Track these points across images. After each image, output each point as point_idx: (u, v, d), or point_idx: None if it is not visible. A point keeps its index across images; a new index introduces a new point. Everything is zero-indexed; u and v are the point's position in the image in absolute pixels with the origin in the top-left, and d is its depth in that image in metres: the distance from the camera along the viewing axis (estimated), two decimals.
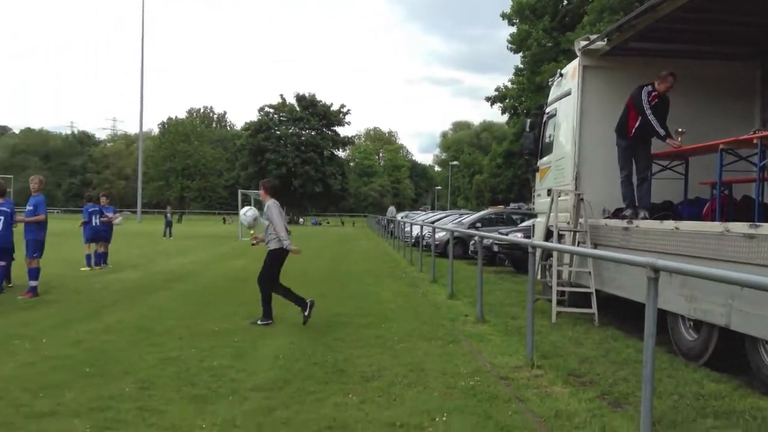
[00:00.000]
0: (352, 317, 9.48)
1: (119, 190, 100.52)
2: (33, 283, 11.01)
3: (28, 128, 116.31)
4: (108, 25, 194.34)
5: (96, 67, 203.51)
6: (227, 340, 7.70)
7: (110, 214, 16.97)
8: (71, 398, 5.27)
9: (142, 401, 5.24)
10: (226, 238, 34.79)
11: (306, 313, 8.82)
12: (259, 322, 8.89)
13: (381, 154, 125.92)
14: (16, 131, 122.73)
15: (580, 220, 9.85)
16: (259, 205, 38.80)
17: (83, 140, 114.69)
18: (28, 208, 11.47)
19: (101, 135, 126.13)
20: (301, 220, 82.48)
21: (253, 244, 10.18)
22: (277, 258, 9.50)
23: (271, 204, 9.49)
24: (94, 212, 16.01)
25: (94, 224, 15.87)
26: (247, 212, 10.07)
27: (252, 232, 10.10)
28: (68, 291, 11.78)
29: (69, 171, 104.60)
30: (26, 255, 11.29)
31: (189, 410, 5.04)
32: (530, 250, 7.33)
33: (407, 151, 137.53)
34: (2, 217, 10.93)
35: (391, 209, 40.71)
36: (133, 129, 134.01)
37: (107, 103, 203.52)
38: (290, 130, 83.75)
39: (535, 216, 13.60)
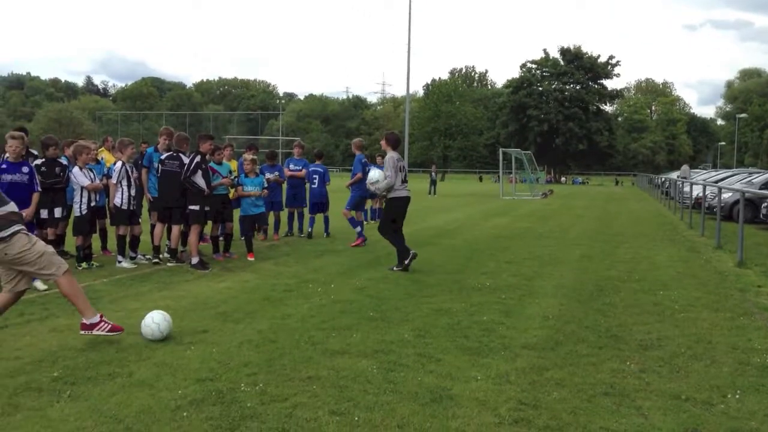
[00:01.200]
0: (624, 282, 9.00)
1: None
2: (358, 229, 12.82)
3: (311, 94, 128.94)
4: None
5: (367, 35, 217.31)
6: (494, 296, 7.81)
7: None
8: (358, 339, 5.78)
9: (420, 348, 5.55)
10: (488, 196, 35.26)
11: (406, 262, 9.38)
12: (394, 269, 9.50)
13: (653, 108, 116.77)
14: (301, 97, 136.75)
15: None
16: (519, 164, 38.35)
17: (357, 104, 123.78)
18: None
19: (372, 98, 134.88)
20: (563, 178, 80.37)
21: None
22: (392, 207, 9.94)
23: (388, 157, 9.92)
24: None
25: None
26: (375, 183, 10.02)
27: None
28: (350, 241, 12.87)
29: (345, 133, 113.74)
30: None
31: (463, 360, 5.22)
32: None
33: (684, 103, 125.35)
34: (317, 177, 13.83)
35: (685, 167, 37.49)
36: (400, 92, 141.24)
37: (377, 68, 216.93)
38: (553, 86, 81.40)
39: None
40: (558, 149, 79.06)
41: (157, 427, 3.81)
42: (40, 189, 8.36)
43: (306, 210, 14.05)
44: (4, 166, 8.07)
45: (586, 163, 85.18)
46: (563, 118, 77.63)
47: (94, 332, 5.46)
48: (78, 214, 9.27)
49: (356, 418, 3.99)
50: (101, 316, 5.54)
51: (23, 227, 5.18)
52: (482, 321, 6.54)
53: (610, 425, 4.00)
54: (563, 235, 15.28)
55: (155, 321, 5.60)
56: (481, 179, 78.73)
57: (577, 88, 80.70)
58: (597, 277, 9.32)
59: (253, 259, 10.36)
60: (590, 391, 4.58)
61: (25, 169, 8.11)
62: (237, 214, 11.28)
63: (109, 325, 5.52)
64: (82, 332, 5.49)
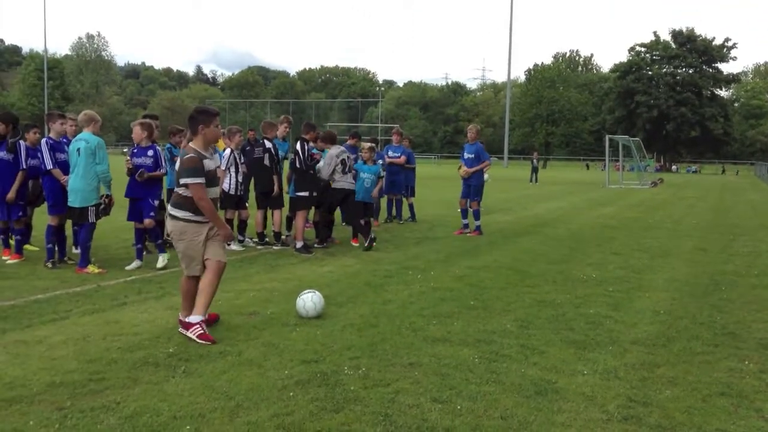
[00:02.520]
0: (742, 276, 8.49)
1: (487, 137, 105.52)
2: (477, 223, 12.26)
3: (410, 81, 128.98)
4: None
5: (467, 20, 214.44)
6: (601, 288, 7.54)
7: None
8: (459, 328, 5.74)
9: (523, 339, 5.44)
10: (593, 185, 34.15)
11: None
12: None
13: None
14: (401, 84, 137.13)
15: None
16: (627, 151, 36.71)
17: (456, 90, 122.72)
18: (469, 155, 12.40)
19: (472, 84, 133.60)
20: (674, 167, 76.71)
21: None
22: (330, 195, 10.28)
23: (328, 153, 10.24)
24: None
25: None
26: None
27: None
28: (449, 229, 12.82)
29: (444, 119, 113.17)
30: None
31: (568, 354, 5.07)
32: None
33: None
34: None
35: None
36: (500, 77, 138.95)
37: (477, 53, 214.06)
38: (664, 70, 77.71)
39: None
40: (669, 136, 75.52)
41: (265, 405, 3.93)
42: (164, 170, 8.74)
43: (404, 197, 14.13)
44: (135, 150, 8.60)
45: (699, 151, 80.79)
46: (674, 104, 73.98)
47: (188, 332, 5.23)
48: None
49: (459, 407, 3.96)
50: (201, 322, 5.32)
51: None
52: (588, 314, 6.34)
53: (727, 427, 3.79)
54: (674, 226, 14.57)
55: (313, 301, 5.98)
56: (588, 167, 76.30)
57: (690, 72, 76.68)
58: (712, 271, 8.82)
59: (356, 244, 10.50)
60: (705, 391, 4.34)
61: (150, 153, 8.57)
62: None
63: (204, 332, 5.21)
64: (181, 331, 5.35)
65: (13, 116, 9.01)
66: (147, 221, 8.36)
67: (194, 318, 5.29)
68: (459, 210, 12.53)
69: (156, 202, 8.48)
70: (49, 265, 8.04)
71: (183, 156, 5.36)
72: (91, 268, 7.85)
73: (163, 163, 8.65)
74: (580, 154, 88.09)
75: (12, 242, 8.72)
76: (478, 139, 12.41)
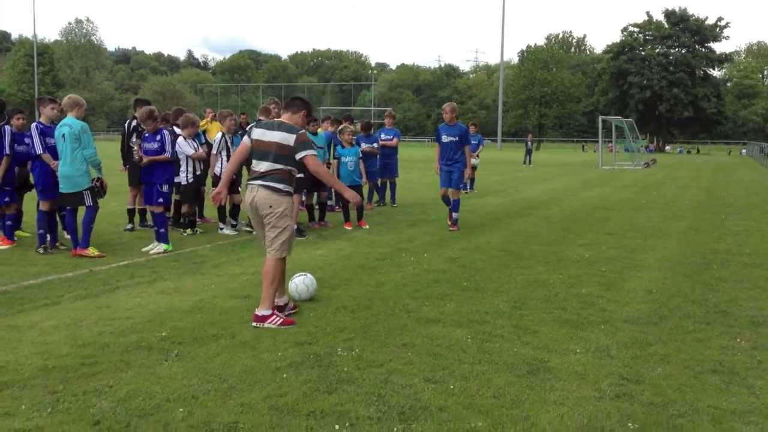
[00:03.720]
0: (733, 255, 8.52)
1: (480, 120, 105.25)
2: (455, 216, 11.76)
3: (403, 64, 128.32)
4: None
5: (460, 2, 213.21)
6: (593, 269, 7.56)
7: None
8: (452, 309, 5.75)
9: (515, 319, 5.46)
10: (586, 166, 34.18)
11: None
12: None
13: (766, 73, 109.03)
14: (393, 67, 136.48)
15: None
16: (620, 132, 36.65)
17: (449, 72, 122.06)
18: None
19: (465, 67, 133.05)
20: (667, 147, 76.88)
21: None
22: None
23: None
24: None
25: None
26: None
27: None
28: (442, 212, 12.78)
29: (437, 102, 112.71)
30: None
31: (561, 333, 5.09)
32: None
33: None
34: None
35: None
36: (493, 59, 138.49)
37: (470, 35, 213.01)
38: (657, 50, 77.56)
39: None
40: (661, 117, 75.55)
41: (258, 387, 3.93)
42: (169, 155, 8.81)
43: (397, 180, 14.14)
44: (145, 135, 8.72)
45: (692, 131, 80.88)
46: (667, 84, 73.96)
47: (266, 325, 5.14)
48: (185, 182, 9.63)
49: (451, 387, 3.97)
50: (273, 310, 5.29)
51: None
52: (581, 294, 6.36)
53: (719, 404, 3.81)
54: (667, 206, 14.60)
55: (305, 284, 6.00)
56: (583, 148, 76.30)
57: (683, 52, 76.55)
58: (704, 250, 8.85)
59: (350, 228, 10.49)
60: (697, 368, 4.36)
61: (158, 137, 8.67)
62: None
63: (281, 319, 5.23)
64: (254, 324, 5.18)
65: (1, 102, 8.93)
66: (152, 207, 8.43)
67: (267, 311, 5.22)
68: (441, 199, 10.99)
69: (165, 188, 8.54)
70: (41, 250, 8.01)
71: (296, 131, 5.38)
72: (92, 250, 7.85)
73: (168, 148, 8.66)
74: (574, 136, 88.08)
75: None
76: (458, 120, 10.65)
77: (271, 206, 5.27)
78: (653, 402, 3.82)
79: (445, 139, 10.38)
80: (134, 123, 9.93)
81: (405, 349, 4.67)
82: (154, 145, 8.58)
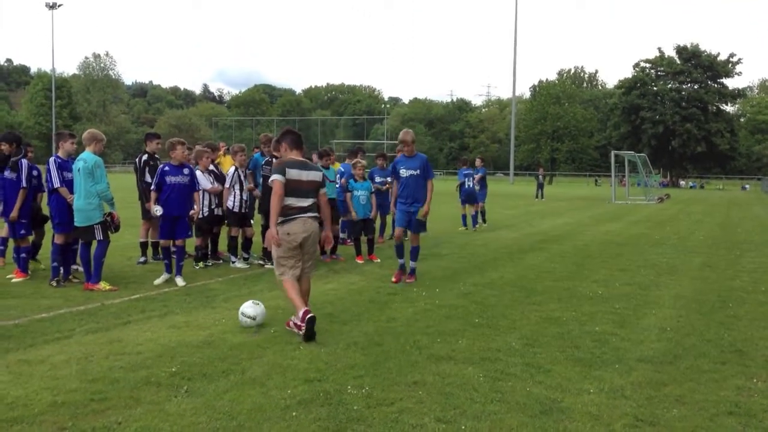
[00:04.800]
0: (749, 293, 8.41)
1: (492, 154, 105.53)
2: (413, 265, 11.38)
3: (416, 98, 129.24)
4: None
5: (472, 38, 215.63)
6: (607, 306, 7.49)
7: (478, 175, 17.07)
8: (464, 346, 5.69)
9: (528, 357, 5.39)
10: (599, 201, 34.08)
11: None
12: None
13: None
14: (406, 101, 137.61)
15: None
16: (633, 167, 36.41)
17: (461, 107, 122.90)
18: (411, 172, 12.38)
19: (477, 101, 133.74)
20: (681, 182, 76.55)
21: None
22: None
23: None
24: (468, 175, 16.43)
25: (467, 187, 16.30)
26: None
27: None
28: (454, 246, 12.79)
29: (449, 136, 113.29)
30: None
31: (574, 372, 5.02)
32: None
33: None
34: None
35: None
36: (506, 94, 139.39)
37: (482, 70, 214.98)
38: (669, 85, 77.64)
39: None
40: (675, 151, 75.31)
41: (267, 425, 3.90)
42: (199, 188, 9.01)
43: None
44: (166, 168, 8.66)
45: (705, 166, 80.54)
46: (680, 119, 73.88)
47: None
48: (200, 216, 9.66)
49: (463, 427, 3.92)
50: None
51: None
52: (594, 331, 6.29)
53: None
54: (681, 242, 14.49)
55: (247, 315, 6.24)
56: (596, 182, 76.17)
57: (695, 87, 76.57)
58: (719, 288, 8.75)
59: (361, 261, 10.48)
60: (713, 410, 4.28)
61: (186, 171, 8.70)
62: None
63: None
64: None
65: (17, 136, 9.08)
66: (180, 241, 8.49)
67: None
68: (395, 246, 9.11)
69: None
70: (54, 283, 8.05)
71: (321, 170, 6.47)
72: (103, 285, 7.88)
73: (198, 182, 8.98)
74: (587, 170, 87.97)
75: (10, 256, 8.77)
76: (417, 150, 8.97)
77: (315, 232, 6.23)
78: None
79: (404, 173, 8.81)
80: (145, 157, 10.03)
81: (416, 387, 4.62)
82: (185, 179, 8.63)
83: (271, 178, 6.00)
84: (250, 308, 6.30)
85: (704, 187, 71.91)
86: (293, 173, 5.98)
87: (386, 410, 4.16)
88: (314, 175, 6.16)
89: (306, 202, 6.08)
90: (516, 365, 5.16)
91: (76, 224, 7.95)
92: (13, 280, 8.35)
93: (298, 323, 5.81)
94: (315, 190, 6.17)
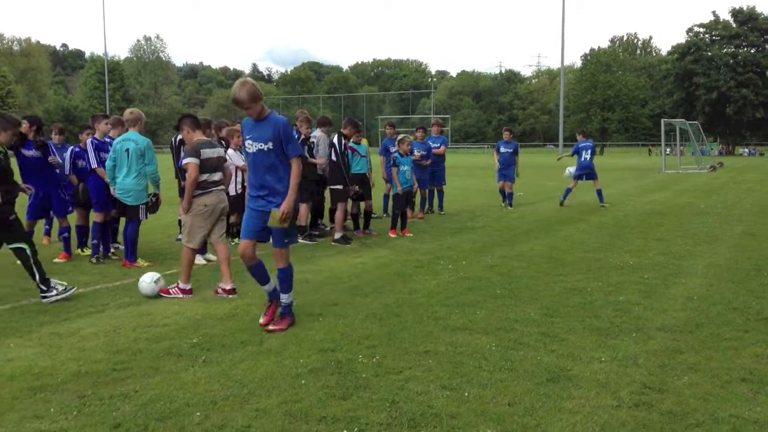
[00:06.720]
0: None
1: (542, 125, 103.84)
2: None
3: (463, 71, 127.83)
4: None
5: (520, 7, 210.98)
6: (636, 276, 7.39)
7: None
8: (481, 317, 5.72)
9: (545, 327, 5.39)
10: (649, 170, 33.29)
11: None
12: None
13: None
14: (453, 75, 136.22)
15: None
16: (685, 135, 35.40)
17: (510, 78, 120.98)
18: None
19: (526, 72, 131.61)
20: (743, 150, 73.97)
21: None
22: None
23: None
24: (584, 148, 15.97)
25: (583, 160, 15.94)
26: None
27: None
28: (489, 219, 12.75)
29: (497, 108, 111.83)
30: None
31: (589, 341, 5.01)
32: None
33: None
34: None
35: None
36: (556, 64, 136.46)
37: (532, 41, 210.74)
38: (724, 50, 74.79)
39: None
40: (730, 119, 72.72)
41: (276, 392, 4.03)
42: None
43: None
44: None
45: (765, 133, 77.54)
46: (735, 85, 71.23)
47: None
48: (233, 193, 9.85)
49: (466, 394, 3.97)
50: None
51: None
52: (618, 301, 6.23)
53: (741, 413, 3.69)
54: (726, 210, 14.09)
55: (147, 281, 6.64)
56: (650, 152, 74.21)
57: (752, 51, 73.55)
58: (757, 256, 8.52)
59: (393, 235, 10.55)
60: (725, 377, 4.23)
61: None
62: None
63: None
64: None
65: (39, 120, 9.31)
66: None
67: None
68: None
69: None
70: (94, 260, 8.37)
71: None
72: (141, 262, 8.17)
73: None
74: (640, 140, 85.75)
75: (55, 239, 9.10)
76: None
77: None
78: (672, 411, 3.72)
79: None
80: (180, 137, 10.25)
81: (426, 356, 4.68)
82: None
83: (185, 161, 6.58)
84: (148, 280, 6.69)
85: (764, 154, 69.27)
86: (207, 152, 6.66)
87: (394, 378, 4.24)
88: (219, 152, 6.89)
89: (217, 176, 6.78)
90: (531, 335, 5.17)
91: (127, 203, 8.13)
92: (55, 261, 8.67)
93: (184, 288, 6.65)
94: (222, 165, 6.91)
